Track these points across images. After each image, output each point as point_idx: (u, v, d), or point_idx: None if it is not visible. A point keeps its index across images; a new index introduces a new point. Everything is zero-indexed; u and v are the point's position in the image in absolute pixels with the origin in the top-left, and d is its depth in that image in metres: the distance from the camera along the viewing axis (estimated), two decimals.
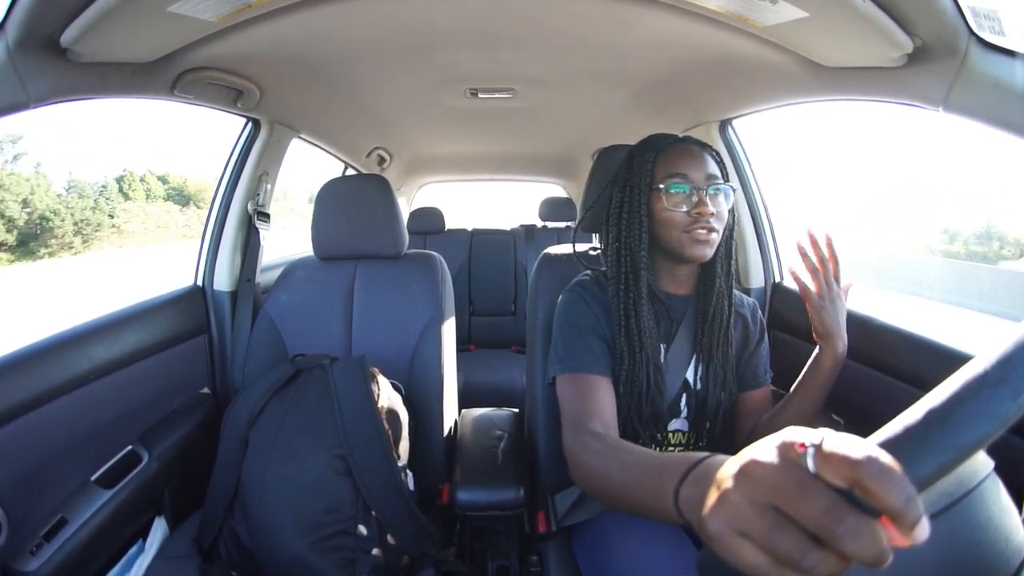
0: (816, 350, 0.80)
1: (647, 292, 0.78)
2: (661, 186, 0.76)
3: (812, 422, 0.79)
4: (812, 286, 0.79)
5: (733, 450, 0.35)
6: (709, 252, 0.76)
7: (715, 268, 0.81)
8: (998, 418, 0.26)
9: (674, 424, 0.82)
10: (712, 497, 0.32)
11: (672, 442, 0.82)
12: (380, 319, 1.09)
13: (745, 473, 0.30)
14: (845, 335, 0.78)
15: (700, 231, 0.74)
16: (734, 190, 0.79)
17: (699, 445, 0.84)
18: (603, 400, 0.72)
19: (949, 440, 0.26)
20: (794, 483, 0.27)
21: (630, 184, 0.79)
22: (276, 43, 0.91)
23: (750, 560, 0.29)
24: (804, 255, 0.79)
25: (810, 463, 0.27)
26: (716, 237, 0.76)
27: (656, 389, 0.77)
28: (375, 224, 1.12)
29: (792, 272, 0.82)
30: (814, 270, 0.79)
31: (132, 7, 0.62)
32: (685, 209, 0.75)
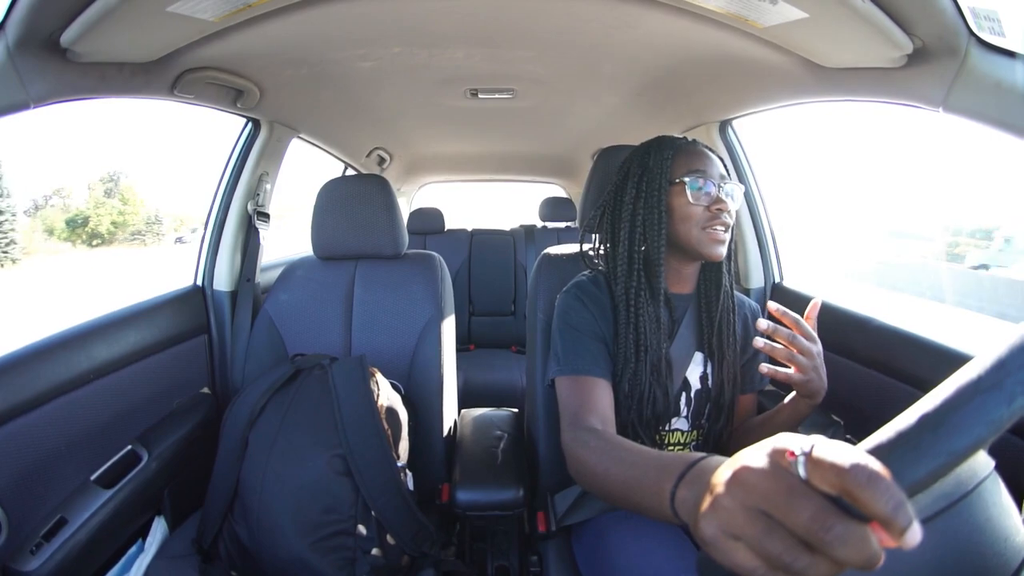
0: (792, 395, 0.72)
1: (660, 290, 0.78)
2: (687, 179, 0.75)
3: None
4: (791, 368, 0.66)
5: (732, 449, 0.35)
6: (724, 251, 0.77)
7: (721, 267, 0.81)
8: (991, 423, 0.26)
9: (674, 423, 0.82)
10: (706, 501, 0.33)
11: (672, 441, 0.82)
12: (380, 319, 1.10)
13: (737, 479, 0.31)
14: (826, 380, 0.69)
15: (718, 228, 0.75)
16: (742, 188, 0.79)
17: (699, 444, 0.84)
18: (601, 398, 0.72)
19: (941, 445, 0.26)
20: (784, 490, 0.28)
21: (647, 179, 0.78)
22: (276, 43, 0.91)
23: (744, 563, 0.29)
24: (776, 333, 0.64)
25: (800, 470, 0.27)
26: (728, 237, 0.77)
27: (661, 386, 0.77)
28: (375, 224, 1.12)
29: (768, 372, 0.66)
30: (788, 352, 0.65)
31: (132, 7, 0.62)
32: (706, 204, 0.75)
